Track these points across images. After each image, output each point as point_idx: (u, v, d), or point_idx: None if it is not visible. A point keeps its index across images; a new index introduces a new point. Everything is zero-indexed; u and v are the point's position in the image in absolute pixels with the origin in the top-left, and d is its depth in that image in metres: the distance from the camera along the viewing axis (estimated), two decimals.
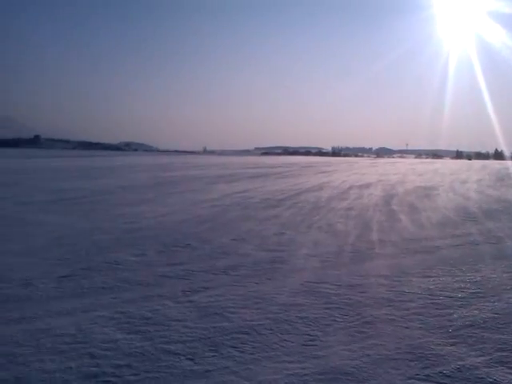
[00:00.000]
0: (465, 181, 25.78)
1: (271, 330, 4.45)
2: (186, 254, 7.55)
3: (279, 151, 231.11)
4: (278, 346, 4.10)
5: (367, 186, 21.46)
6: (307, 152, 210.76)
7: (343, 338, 4.29)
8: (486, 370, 3.68)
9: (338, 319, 4.77)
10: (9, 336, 4.19)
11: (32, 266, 6.62)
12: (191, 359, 3.80)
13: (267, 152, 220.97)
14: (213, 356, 3.87)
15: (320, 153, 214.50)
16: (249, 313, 4.90)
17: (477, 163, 64.05)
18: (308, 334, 4.37)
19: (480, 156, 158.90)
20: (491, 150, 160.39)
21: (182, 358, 3.83)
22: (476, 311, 5.02)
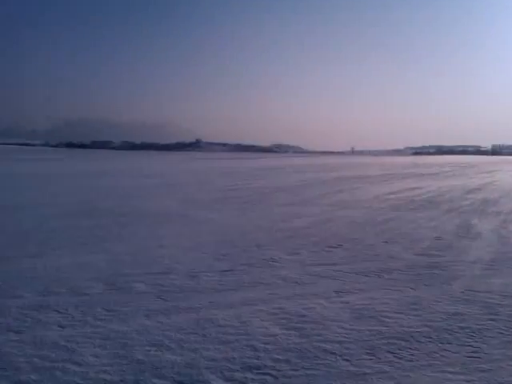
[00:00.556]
0: None
1: (430, 338, 4.28)
2: (339, 254, 7.57)
3: (432, 150, 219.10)
4: (438, 355, 3.93)
5: None
6: (463, 151, 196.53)
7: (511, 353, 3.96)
8: None
9: (504, 332, 4.42)
10: (179, 324, 4.61)
11: (197, 259, 7.18)
12: (348, 360, 3.82)
13: (419, 152, 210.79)
14: (370, 359, 3.85)
15: (478, 151, 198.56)
16: (405, 319, 4.76)
17: None
18: (470, 346, 4.12)
19: None
20: None
21: (339, 358, 3.87)
22: None
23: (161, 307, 5.05)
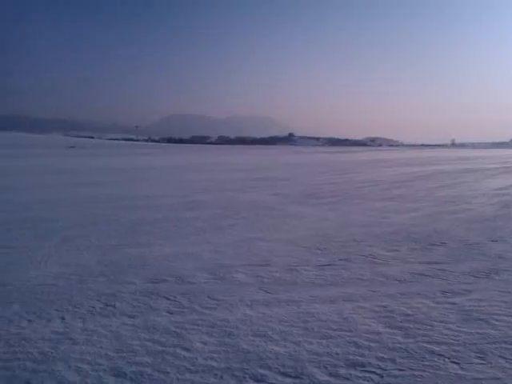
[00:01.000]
0: None
1: None
2: (442, 252, 7.25)
3: None
4: None
5: None
6: None
7: None
8: None
9: None
10: (281, 316, 4.68)
11: (294, 253, 7.23)
12: (457, 363, 3.67)
13: None
14: (480, 363, 3.67)
15: None
16: None
17: None
18: None
19: None
20: None
21: (447, 360, 3.72)
22: None
23: (262, 298, 5.16)
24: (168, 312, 4.77)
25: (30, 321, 4.56)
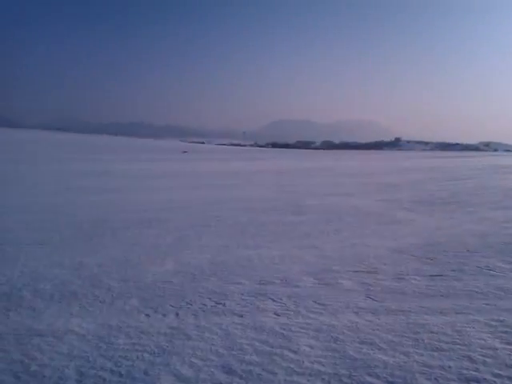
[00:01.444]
0: None
1: None
2: None
3: None
4: None
5: None
6: None
7: None
8: None
9: None
10: (389, 325, 4.59)
11: (402, 261, 7.03)
12: None
13: None
14: None
15: None
16: None
17: None
18: None
19: None
20: None
21: None
22: None
23: (369, 306, 5.10)
24: (275, 314, 4.89)
25: (147, 315, 4.92)
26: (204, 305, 5.17)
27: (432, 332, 4.39)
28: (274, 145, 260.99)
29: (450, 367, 3.69)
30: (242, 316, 4.83)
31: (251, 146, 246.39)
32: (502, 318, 4.70)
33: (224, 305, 5.15)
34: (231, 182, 22.74)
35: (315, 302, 5.23)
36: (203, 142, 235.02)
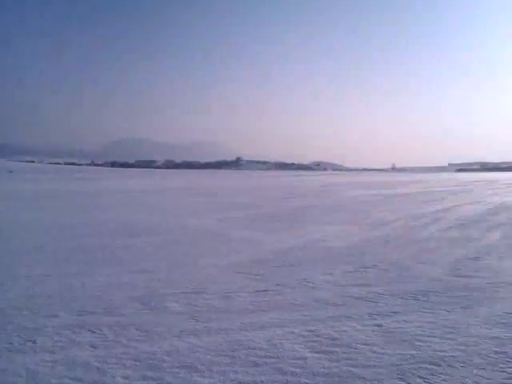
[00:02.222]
0: None
1: (463, 363, 4.14)
2: (374, 275, 7.45)
3: (476, 167, 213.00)
4: (470, 381, 3.78)
5: None
6: (510, 167, 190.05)
7: None
8: None
9: None
10: (208, 345, 4.61)
11: (232, 279, 7.19)
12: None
13: (463, 168, 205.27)
14: None
15: None
16: (439, 342, 4.64)
17: None
18: (505, 371, 3.96)
19: None
20: None
21: (368, 383, 3.77)
22: None
23: (193, 328, 5.06)
24: (91, 346, 4.58)
25: None
26: (10, 343, 4.65)
27: (249, 348, 4.51)
28: (113, 164, 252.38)
29: (262, 382, 3.81)
30: (53, 352, 4.44)
31: (87, 165, 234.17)
32: (314, 328, 5.04)
33: (34, 342, 4.69)
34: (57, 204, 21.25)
35: (138, 329, 5.04)
36: (34, 161, 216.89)
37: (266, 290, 6.55)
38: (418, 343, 4.60)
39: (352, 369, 4.03)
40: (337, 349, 4.48)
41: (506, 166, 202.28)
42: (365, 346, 4.54)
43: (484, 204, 21.04)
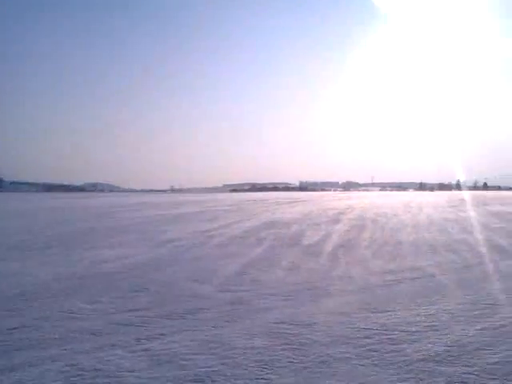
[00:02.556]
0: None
1: (224, 376, 4.37)
2: (143, 298, 7.41)
3: (247, 187, 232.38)
4: None
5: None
6: (275, 187, 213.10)
7: (298, 381, 4.25)
8: None
9: (294, 360, 4.74)
10: None
11: None
12: None
13: (236, 189, 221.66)
14: None
15: (287, 188, 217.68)
16: (203, 359, 4.81)
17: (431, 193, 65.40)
18: (263, 378, 4.32)
19: (443, 187, 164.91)
20: (454, 181, 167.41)
21: None
22: None
23: None
24: None
25: None
26: None
27: None
28: None
29: None
30: None
31: None
32: (75, 362, 4.74)
33: None
34: None
35: None
36: None
37: (23, 326, 5.94)
38: (184, 362, 4.70)
39: None
40: (99, 380, 4.29)
41: (271, 186, 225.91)
42: (130, 373, 4.45)
43: (257, 220, 22.79)
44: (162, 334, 5.60)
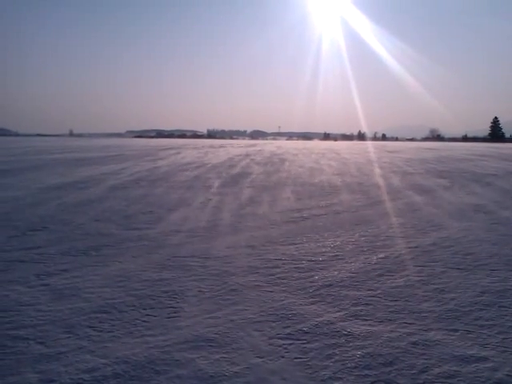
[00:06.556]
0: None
1: (133, 306, 4.26)
2: (44, 237, 7.00)
3: (153, 134, 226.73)
4: (139, 321, 3.92)
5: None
6: (182, 135, 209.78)
7: (208, 307, 4.25)
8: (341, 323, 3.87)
9: (204, 290, 4.72)
10: None
11: None
12: (42, 343, 3.49)
13: (140, 135, 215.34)
14: (67, 338, 3.58)
15: (195, 135, 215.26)
16: (110, 292, 4.64)
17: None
18: (172, 307, 4.26)
19: (345, 137, 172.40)
20: (355, 132, 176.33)
21: (32, 342, 3.49)
22: None
23: None
24: None
25: None
26: None
27: None
28: None
29: None
30: None
31: None
32: None
33: None
34: None
35: None
36: None
37: None
38: (89, 295, 4.52)
39: (14, 332, 3.66)
40: None
41: (178, 133, 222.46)
42: (29, 307, 4.19)
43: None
44: (63, 270, 5.33)
